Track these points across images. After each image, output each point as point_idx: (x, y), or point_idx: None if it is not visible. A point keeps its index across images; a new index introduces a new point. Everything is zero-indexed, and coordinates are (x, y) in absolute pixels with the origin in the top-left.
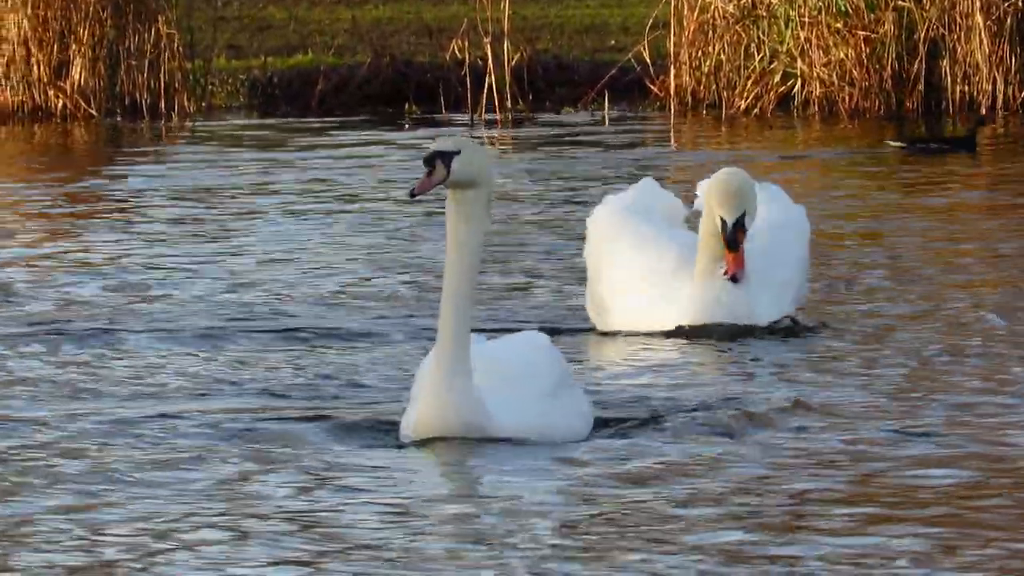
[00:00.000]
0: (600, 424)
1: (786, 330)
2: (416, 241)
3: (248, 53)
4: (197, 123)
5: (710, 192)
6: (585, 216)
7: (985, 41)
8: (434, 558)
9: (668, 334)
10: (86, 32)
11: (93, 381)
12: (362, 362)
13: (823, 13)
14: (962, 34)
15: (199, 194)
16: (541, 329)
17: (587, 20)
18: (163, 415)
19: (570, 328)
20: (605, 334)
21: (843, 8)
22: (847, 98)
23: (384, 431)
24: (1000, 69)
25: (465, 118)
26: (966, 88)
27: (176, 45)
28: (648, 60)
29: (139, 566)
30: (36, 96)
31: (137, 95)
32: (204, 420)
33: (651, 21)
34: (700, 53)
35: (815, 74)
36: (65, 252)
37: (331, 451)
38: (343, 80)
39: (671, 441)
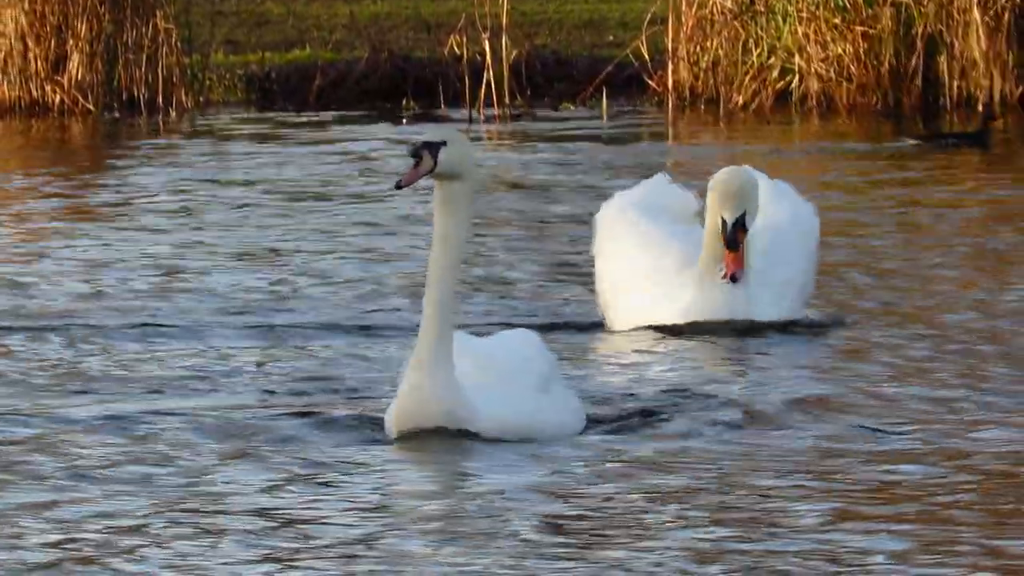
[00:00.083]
0: (593, 422)
1: (784, 328)
2: (411, 236)
3: (246, 48)
4: (195, 118)
5: (712, 191)
6: (583, 212)
7: (983, 37)
8: (414, 555)
9: (669, 332)
10: (83, 27)
11: (78, 376)
12: (353, 357)
13: (821, 8)
14: (960, 30)
15: (196, 189)
16: (540, 327)
17: (585, 15)
18: (148, 411)
19: (565, 324)
20: (601, 332)
21: (841, 3)
22: (845, 94)
23: (369, 427)
24: (997, 65)
25: (463, 113)
26: (963, 84)
27: (174, 40)
28: (646, 55)
29: (114, 562)
30: (33, 91)
31: (135, 90)
32: (187, 416)
33: (649, 16)
34: (698, 48)
35: (813, 69)
36: (59, 247)
37: (315, 447)
38: (341, 75)
39: (659, 439)
